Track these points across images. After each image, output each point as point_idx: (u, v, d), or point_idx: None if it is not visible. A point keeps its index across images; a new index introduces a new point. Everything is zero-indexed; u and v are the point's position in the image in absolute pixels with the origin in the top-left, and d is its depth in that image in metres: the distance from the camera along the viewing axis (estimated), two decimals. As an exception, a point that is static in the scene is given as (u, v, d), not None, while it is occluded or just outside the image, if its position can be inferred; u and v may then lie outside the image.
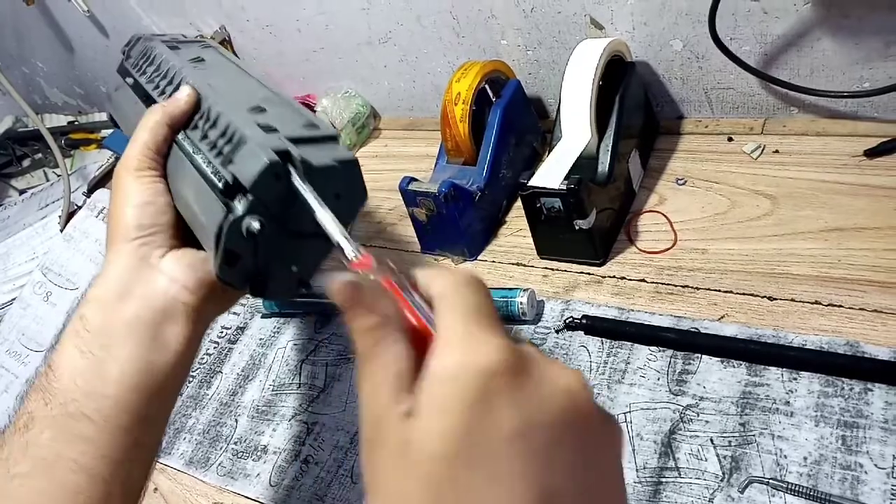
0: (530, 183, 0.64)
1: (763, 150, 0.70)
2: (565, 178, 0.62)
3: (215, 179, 0.41)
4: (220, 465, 0.67)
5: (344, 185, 0.41)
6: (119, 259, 0.43)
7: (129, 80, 0.58)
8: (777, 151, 0.69)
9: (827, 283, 0.57)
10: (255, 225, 0.39)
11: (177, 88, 0.50)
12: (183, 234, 0.45)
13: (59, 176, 1.23)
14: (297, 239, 0.41)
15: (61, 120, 1.45)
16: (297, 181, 0.38)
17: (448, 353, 0.26)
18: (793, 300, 0.57)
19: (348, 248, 0.32)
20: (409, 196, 0.72)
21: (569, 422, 0.26)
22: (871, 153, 0.64)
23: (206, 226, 0.42)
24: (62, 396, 0.40)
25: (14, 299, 0.95)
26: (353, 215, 0.43)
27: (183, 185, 0.45)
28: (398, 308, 0.28)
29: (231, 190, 0.40)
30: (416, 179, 0.72)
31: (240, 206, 0.39)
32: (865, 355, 0.51)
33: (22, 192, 1.26)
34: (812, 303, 0.56)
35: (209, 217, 0.41)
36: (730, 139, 0.73)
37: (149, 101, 0.53)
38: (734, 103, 0.73)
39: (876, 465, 0.46)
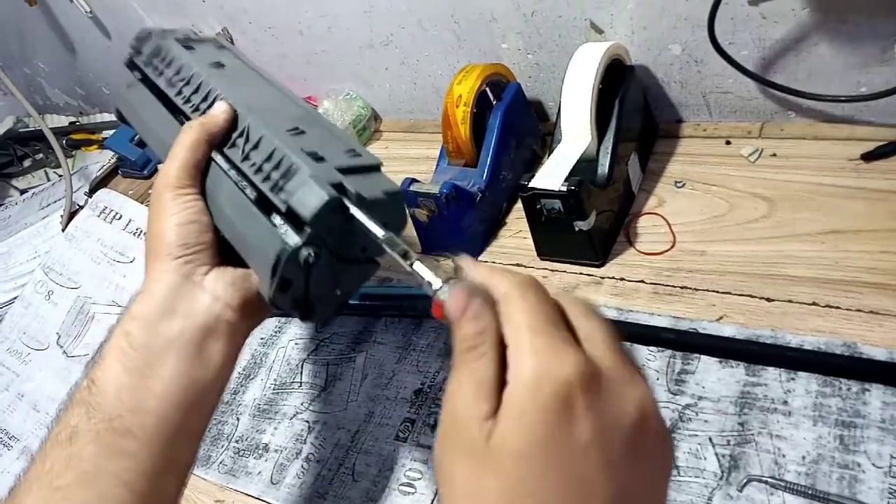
0: (531, 184, 0.64)
1: (761, 153, 0.71)
2: (565, 180, 0.63)
3: (259, 203, 0.43)
4: (221, 463, 0.67)
5: (391, 215, 0.42)
6: (163, 276, 0.44)
7: (137, 75, 0.57)
8: (775, 155, 0.70)
9: (824, 285, 0.58)
10: (312, 256, 0.41)
11: (205, 99, 0.50)
12: (222, 252, 0.47)
13: (60, 176, 1.23)
14: (343, 264, 0.43)
15: (62, 121, 1.46)
16: (357, 213, 0.40)
17: (530, 361, 0.27)
18: (790, 301, 0.58)
19: (436, 283, 0.32)
20: (411, 197, 0.73)
21: (638, 436, 0.27)
22: (868, 157, 0.65)
23: (256, 249, 0.43)
24: (107, 412, 0.41)
25: (15, 298, 0.95)
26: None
27: (225, 205, 0.46)
28: (497, 322, 0.29)
29: (285, 218, 0.41)
30: (417, 180, 0.73)
31: (297, 236, 0.41)
32: (863, 356, 0.52)
33: (23, 191, 1.26)
34: (809, 304, 0.57)
35: (261, 241, 0.42)
36: (728, 143, 0.74)
37: (169, 105, 0.53)
38: (732, 107, 0.74)
39: (874, 465, 0.47)
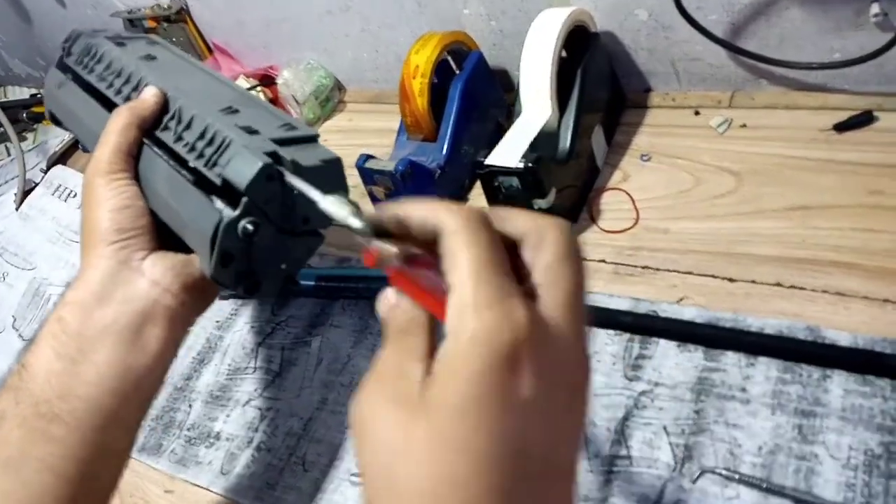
0: (487, 161, 0.61)
1: (730, 124, 0.68)
2: (523, 157, 0.60)
3: (198, 183, 0.42)
4: (172, 451, 0.65)
5: (330, 183, 0.41)
6: (99, 262, 0.43)
7: (69, 76, 0.56)
8: (745, 126, 0.67)
9: (789, 264, 0.55)
10: (250, 226, 0.40)
11: (136, 88, 0.50)
12: (160, 237, 0.46)
13: (23, 151, 1.19)
14: (286, 237, 0.43)
15: (24, 93, 1.41)
16: (293, 179, 0.39)
17: (472, 318, 0.25)
18: (754, 282, 0.55)
19: (360, 226, 0.30)
20: (367, 174, 0.70)
21: (574, 399, 0.27)
22: (841, 127, 0.62)
23: (193, 227, 0.42)
24: (35, 397, 0.41)
25: (-31, 280, 0.92)
26: None
27: (160, 187, 0.45)
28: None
29: (221, 192, 0.41)
30: (372, 157, 0.70)
31: (233, 208, 0.40)
32: (826, 341, 0.50)
33: (-17, 167, 1.23)
34: (773, 284, 0.55)
35: (198, 218, 0.42)
36: (697, 113, 0.70)
37: (101, 98, 0.53)
38: (702, 75, 0.71)
39: (831, 456, 0.45)
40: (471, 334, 0.24)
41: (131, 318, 0.42)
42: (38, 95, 1.37)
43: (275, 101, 0.96)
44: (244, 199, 0.40)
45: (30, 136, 1.26)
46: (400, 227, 0.28)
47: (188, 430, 0.66)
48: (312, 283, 0.70)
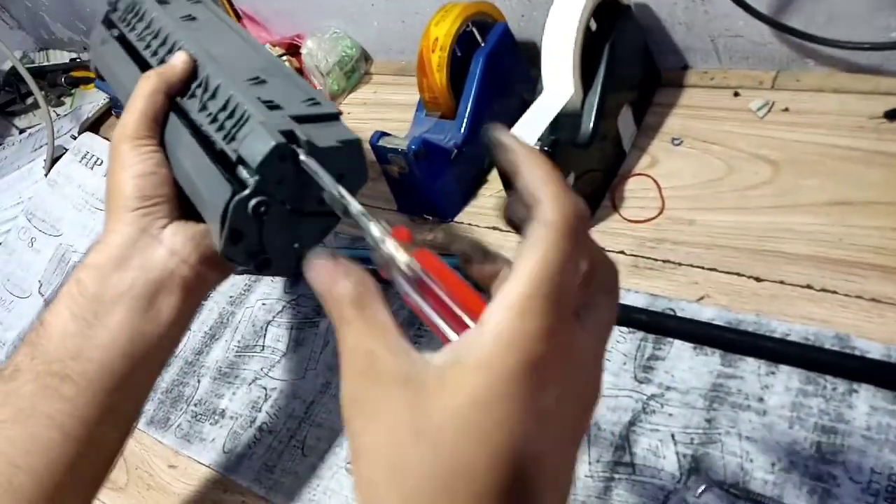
0: (502, 142, 0.58)
1: (771, 107, 0.62)
2: (539, 139, 0.57)
3: (218, 155, 0.42)
4: (178, 426, 0.65)
5: (347, 166, 0.41)
6: (120, 228, 0.43)
7: (115, 33, 0.56)
8: (787, 110, 0.62)
9: (823, 265, 0.51)
10: (261, 205, 0.40)
11: (171, 51, 0.49)
12: (183, 205, 0.45)
13: (59, 115, 1.20)
14: (299, 216, 0.42)
15: (65, 57, 1.42)
16: (309, 161, 0.39)
17: (523, 317, 0.24)
18: (782, 282, 0.51)
19: (373, 228, 0.30)
20: (381, 152, 0.67)
21: (589, 410, 0.27)
22: (893, 115, 0.57)
23: (208, 201, 0.42)
24: (49, 355, 0.41)
25: None
26: (353, 195, 0.42)
27: (183, 156, 0.45)
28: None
29: (235, 168, 0.40)
30: (387, 134, 0.67)
31: (245, 185, 0.39)
32: (855, 351, 0.46)
33: (22, 131, 1.25)
34: (803, 286, 0.51)
35: (213, 193, 0.41)
36: (736, 94, 0.65)
37: (139, 59, 0.52)
38: (744, 53, 0.66)
39: (851, 478, 0.41)
40: (516, 334, 0.23)
41: (146, 286, 0.42)
42: (78, 59, 1.38)
43: (300, 70, 0.94)
44: (255, 178, 0.39)
45: (67, 100, 1.28)
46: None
47: (195, 405, 0.66)
48: (323, 262, 0.68)
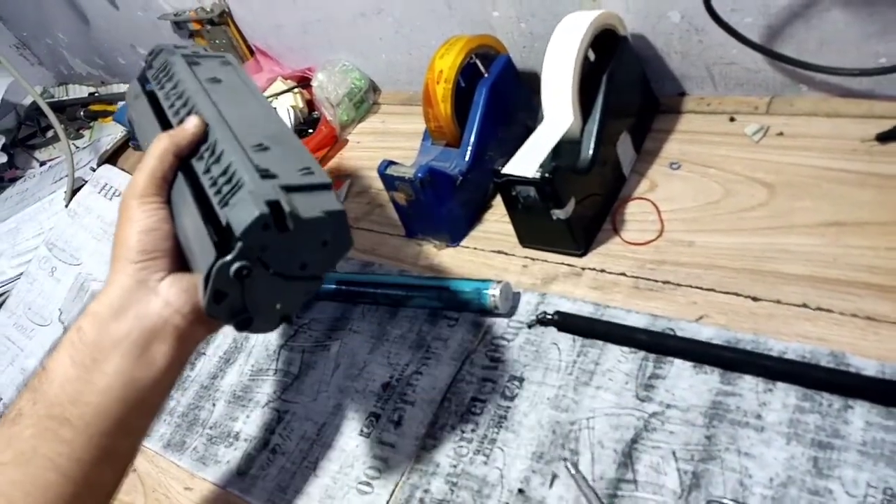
0: (504, 170, 0.60)
1: (766, 132, 0.64)
2: (541, 166, 0.59)
3: (213, 218, 0.44)
4: (194, 449, 0.67)
5: (331, 234, 0.44)
6: (120, 279, 0.45)
7: (149, 88, 0.60)
8: (781, 134, 0.64)
9: (818, 284, 0.52)
10: (243, 269, 0.42)
11: (189, 112, 0.52)
12: (182, 259, 0.48)
13: (78, 148, 1.24)
14: (282, 280, 0.44)
15: (84, 91, 1.47)
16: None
17: None
18: (778, 302, 0.53)
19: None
20: (388, 180, 0.70)
21: None
22: (884, 138, 0.58)
23: (198, 261, 0.45)
24: (49, 399, 0.43)
25: (21, 274, 0.97)
26: (335, 261, 0.46)
27: (183, 216, 0.47)
28: None
29: (224, 232, 0.42)
30: (394, 163, 0.70)
31: (230, 250, 0.42)
32: (850, 368, 0.47)
33: (42, 163, 1.28)
34: (799, 305, 0.52)
35: (202, 254, 0.44)
36: (732, 119, 0.67)
37: (162, 117, 0.56)
38: (738, 80, 0.68)
39: (847, 492, 0.42)
40: None
41: (142, 334, 0.44)
42: (96, 94, 1.43)
43: (310, 102, 0.97)
44: (239, 244, 0.41)
45: (86, 133, 1.32)
46: None
47: (210, 428, 0.68)
48: (333, 286, 0.70)
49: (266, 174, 0.44)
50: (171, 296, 0.45)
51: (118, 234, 0.47)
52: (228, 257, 0.41)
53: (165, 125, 0.54)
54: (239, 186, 0.43)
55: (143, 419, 0.47)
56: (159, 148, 0.48)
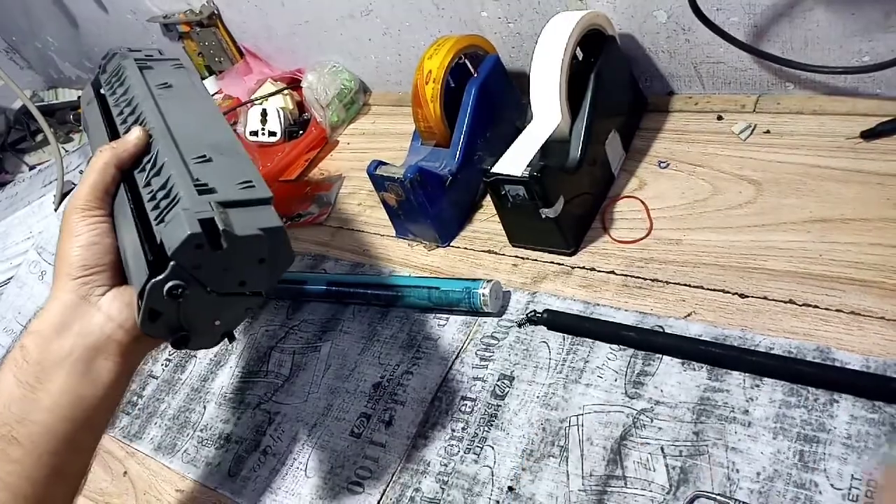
0: (493, 169, 0.60)
1: (753, 130, 0.65)
2: (529, 165, 0.59)
3: (149, 235, 0.43)
4: (185, 451, 0.67)
5: (268, 251, 0.42)
6: (61, 295, 0.45)
7: (102, 92, 0.59)
8: (768, 132, 0.64)
9: (804, 280, 0.53)
10: (177, 287, 0.41)
11: (136, 122, 0.52)
12: (124, 272, 0.47)
13: (67, 152, 1.24)
14: (220, 297, 0.43)
15: (74, 95, 1.47)
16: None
17: None
18: (765, 298, 0.53)
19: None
20: (378, 181, 0.70)
21: None
22: (869, 135, 0.59)
23: (134, 278, 0.44)
24: None
25: (11, 278, 0.97)
26: (276, 279, 0.45)
27: (123, 230, 0.47)
28: None
29: (158, 250, 0.42)
30: (384, 163, 0.70)
31: (163, 268, 0.41)
32: (835, 363, 0.47)
33: (32, 167, 1.28)
34: (786, 301, 0.52)
35: (137, 271, 0.43)
36: (719, 118, 0.68)
37: (111, 124, 0.55)
38: (726, 78, 0.68)
39: (832, 485, 0.43)
40: None
41: (85, 351, 0.44)
42: (86, 97, 1.42)
43: (301, 104, 0.97)
44: (171, 264, 0.40)
45: (76, 136, 1.32)
46: None
47: (201, 430, 0.68)
48: (324, 287, 0.71)
49: (204, 189, 0.43)
50: (113, 311, 0.45)
51: (60, 249, 0.47)
52: (161, 276, 0.40)
53: (114, 132, 0.54)
54: (175, 202, 0.42)
55: (91, 436, 0.47)
56: (101, 160, 0.48)
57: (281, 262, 0.44)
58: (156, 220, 0.43)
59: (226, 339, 0.47)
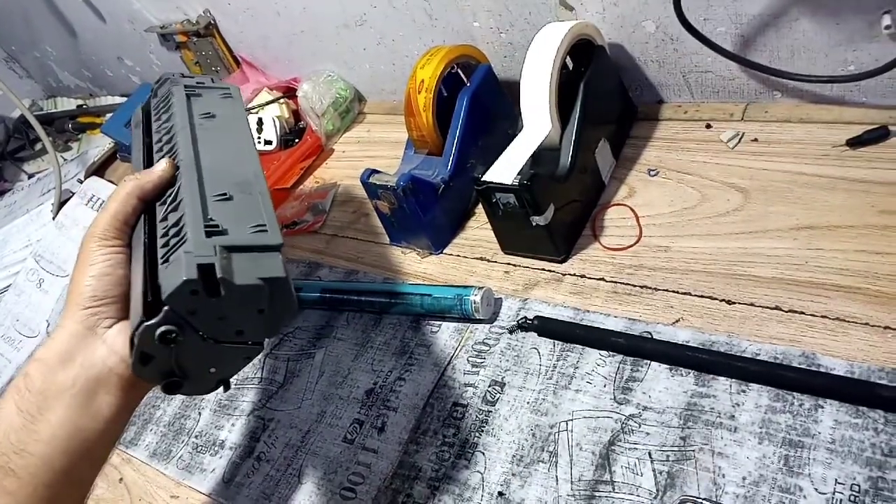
0: (484, 178, 0.61)
1: (741, 138, 0.66)
2: (519, 173, 0.60)
3: (151, 273, 0.42)
4: (180, 458, 0.67)
5: (268, 302, 0.41)
6: (69, 324, 0.45)
7: (149, 113, 0.59)
8: (756, 140, 0.65)
9: (790, 287, 0.54)
10: (170, 333, 0.39)
11: (170, 151, 0.51)
12: None
13: (66, 160, 1.25)
14: (217, 345, 0.42)
15: (72, 103, 1.47)
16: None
17: None
18: (752, 304, 0.54)
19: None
20: (371, 189, 0.70)
21: None
22: (854, 143, 0.60)
23: (131, 316, 0.43)
24: None
25: (9, 286, 0.97)
26: (277, 328, 0.43)
27: (135, 263, 0.46)
28: None
29: (157, 292, 0.41)
30: (377, 171, 0.71)
31: (158, 311, 0.40)
32: (821, 368, 0.48)
33: (31, 176, 1.29)
34: (772, 308, 0.53)
35: (134, 310, 0.42)
36: (708, 126, 0.69)
37: (149, 151, 0.54)
38: (714, 87, 0.69)
39: (816, 490, 0.43)
40: None
41: (87, 383, 0.44)
42: (84, 106, 1.43)
43: (296, 112, 0.98)
44: (165, 308, 0.39)
45: (74, 145, 1.33)
46: None
47: (196, 437, 0.68)
48: (318, 294, 0.71)
49: (214, 230, 0.42)
50: (118, 344, 0.44)
51: (73, 276, 0.46)
52: (154, 320, 0.39)
53: (150, 160, 0.53)
54: (181, 242, 0.41)
55: (88, 470, 0.46)
56: (124, 190, 0.47)
57: (283, 312, 0.42)
58: (162, 258, 0.42)
59: (221, 387, 0.45)
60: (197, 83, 0.60)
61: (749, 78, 0.66)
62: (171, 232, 0.43)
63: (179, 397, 0.73)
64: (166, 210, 0.46)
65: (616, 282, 0.61)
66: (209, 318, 0.40)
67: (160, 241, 0.44)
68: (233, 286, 0.39)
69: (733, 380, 0.50)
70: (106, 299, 0.45)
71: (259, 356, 0.69)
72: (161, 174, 0.48)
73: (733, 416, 0.48)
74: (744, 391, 0.49)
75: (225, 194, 0.46)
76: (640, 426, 0.50)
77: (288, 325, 0.44)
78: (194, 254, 0.39)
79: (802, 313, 0.52)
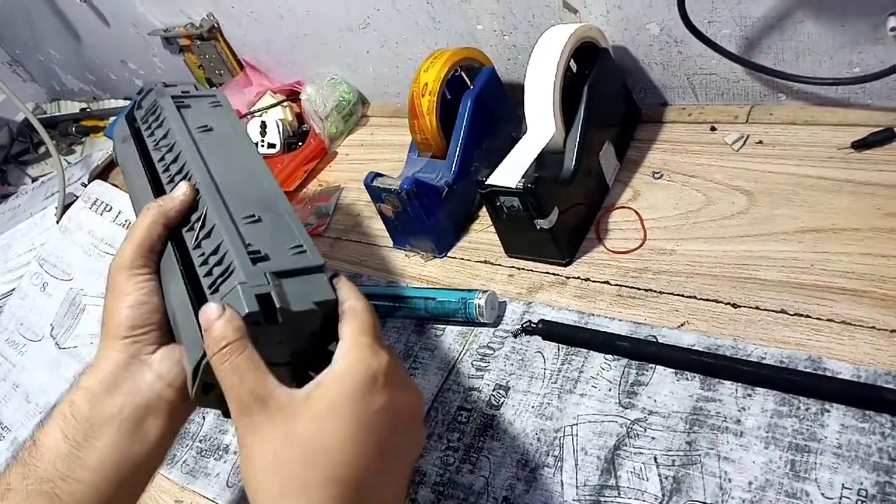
0: (488, 181, 0.61)
1: (746, 140, 0.65)
2: (523, 176, 0.59)
3: (201, 300, 0.42)
4: (184, 462, 0.67)
5: (320, 323, 0.41)
6: (111, 354, 0.45)
7: (133, 132, 0.58)
8: (761, 142, 0.65)
9: (796, 290, 0.53)
10: None
11: (180, 172, 0.51)
12: (171, 330, 0.47)
13: (70, 164, 1.25)
14: (270, 367, 0.41)
15: (76, 107, 1.48)
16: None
17: (355, 350, 0.38)
18: (758, 308, 0.54)
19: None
20: (374, 192, 0.70)
21: (411, 420, 0.40)
22: (859, 145, 0.59)
23: (186, 348, 0.43)
24: (40, 474, 0.43)
25: (13, 290, 0.97)
26: (332, 348, 0.43)
27: (171, 290, 0.46)
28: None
29: None
30: (381, 175, 0.70)
31: None
32: (826, 372, 0.48)
33: (34, 179, 1.29)
34: (777, 311, 0.53)
35: (190, 343, 0.42)
36: (713, 128, 0.68)
37: (152, 169, 0.54)
38: (718, 89, 0.69)
39: (823, 495, 0.43)
40: (357, 356, 0.38)
41: (135, 410, 0.44)
42: (88, 109, 1.43)
43: (300, 115, 0.98)
44: None
45: (78, 148, 1.33)
46: None
47: (200, 441, 0.68)
48: (322, 299, 0.71)
49: (258, 257, 0.42)
50: (163, 369, 0.45)
51: (107, 307, 0.47)
52: None
53: (154, 177, 0.53)
54: (230, 272, 0.41)
55: (132, 494, 0.47)
56: (148, 218, 0.47)
57: (330, 331, 0.42)
58: (210, 287, 0.42)
59: None
60: (182, 92, 0.59)
61: (753, 80, 0.66)
62: (212, 260, 0.43)
63: (183, 401, 0.73)
64: (197, 238, 0.45)
65: (621, 285, 0.60)
66: (267, 345, 0.40)
67: (201, 271, 0.44)
68: (290, 313, 0.39)
69: (739, 384, 0.50)
70: (146, 327, 0.46)
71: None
72: (183, 199, 0.48)
73: (739, 421, 0.48)
74: (750, 395, 0.49)
75: (253, 216, 0.46)
76: (645, 430, 0.50)
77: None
78: (249, 284, 0.40)
79: (808, 317, 0.52)
